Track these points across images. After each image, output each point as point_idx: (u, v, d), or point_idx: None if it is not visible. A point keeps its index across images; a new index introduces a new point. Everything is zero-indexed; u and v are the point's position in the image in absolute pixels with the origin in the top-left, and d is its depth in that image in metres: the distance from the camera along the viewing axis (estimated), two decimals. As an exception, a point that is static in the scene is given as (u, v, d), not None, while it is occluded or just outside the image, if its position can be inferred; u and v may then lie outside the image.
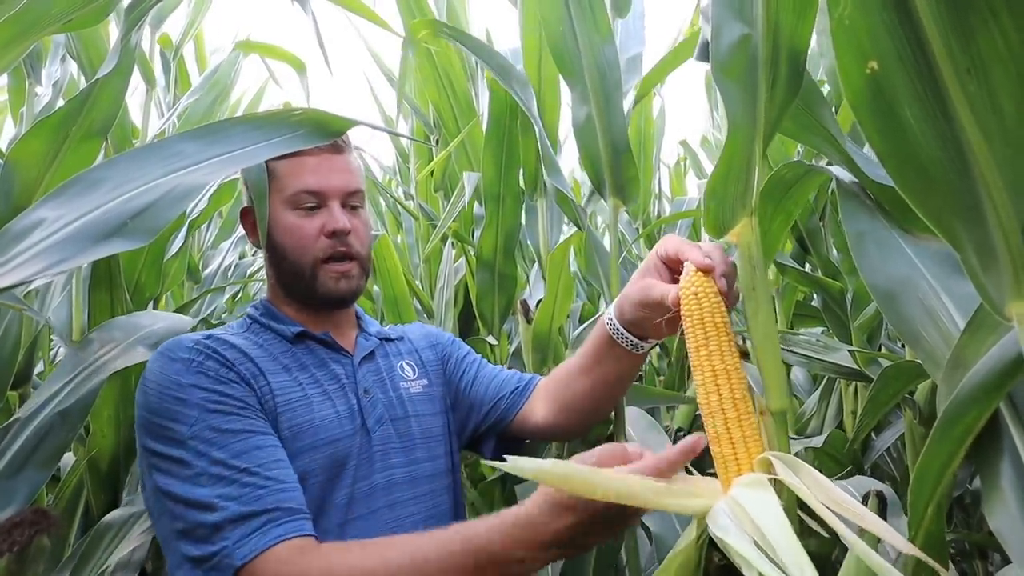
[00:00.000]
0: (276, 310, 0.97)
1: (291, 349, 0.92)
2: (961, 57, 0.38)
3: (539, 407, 1.00)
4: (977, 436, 0.50)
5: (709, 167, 2.97)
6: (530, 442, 1.12)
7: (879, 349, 1.50)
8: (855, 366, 1.43)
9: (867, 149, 0.89)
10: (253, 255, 2.79)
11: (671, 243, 0.72)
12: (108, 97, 0.93)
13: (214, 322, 1.43)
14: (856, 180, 0.66)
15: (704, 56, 0.66)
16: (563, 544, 0.65)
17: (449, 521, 0.94)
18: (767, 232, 0.95)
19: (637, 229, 2.37)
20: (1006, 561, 1.85)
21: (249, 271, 2.58)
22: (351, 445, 0.87)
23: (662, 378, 2.36)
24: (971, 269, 0.44)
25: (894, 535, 0.50)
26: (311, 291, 0.94)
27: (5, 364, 0.92)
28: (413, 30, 1.24)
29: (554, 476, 0.60)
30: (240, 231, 2.57)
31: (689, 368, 1.98)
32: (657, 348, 2.23)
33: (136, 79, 1.52)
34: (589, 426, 1.03)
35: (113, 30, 1.48)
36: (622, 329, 0.85)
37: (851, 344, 1.50)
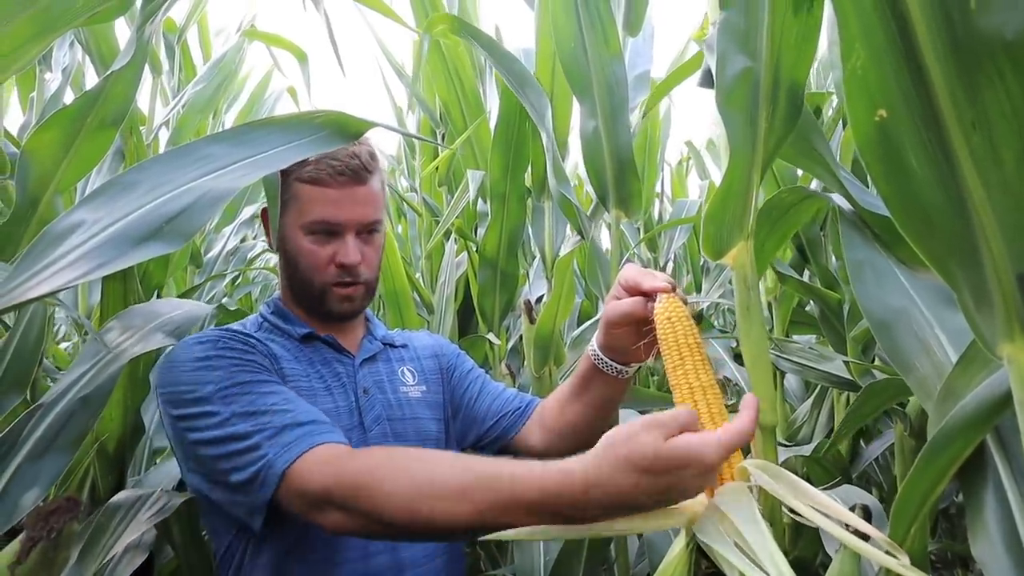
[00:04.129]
0: (286, 310, 1.00)
1: (299, 346, 0.97)
2: (967, 111, 0.40)
3: (535, 432, 1.04)
4: (964, 464, 0.52)
5: (713, 169, 2.98)
6: None
7: (872, 360, 1.52)
8: (849, 376, 1.46)
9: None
10: (254, 238, 2.80)
11: (629, 273, 0.79)
12: (121, 89, 0.94)
13: (232, 308, 1.45)
14: (854, 210, 0.68)
15: (706, 83, 0.68)
16: (616, 506, 0.61)
17: None
18: (759, 252, 0.97)
19: (638, 230, 2.39)
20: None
21: (249, 256, 2.60)
22: (347, 440, 0.90)
23: (656, 378, 2.40)
24: (966, 308, 0.47)
25: (875, 532, 0.53)
26: (319, 307, 0.98)
27: (31, 352, 0.94)
28: (431, 25, 1.25)
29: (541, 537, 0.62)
30: (242, 216, 2.57)
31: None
32: (653, 349, 2.26)
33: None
34: (584, 448, 1.07)
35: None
36: (604, 357, 0.90)
37: (846, 354, 1.53)
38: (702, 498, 0.65)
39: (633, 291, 0.79)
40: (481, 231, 1.63)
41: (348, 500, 0.69)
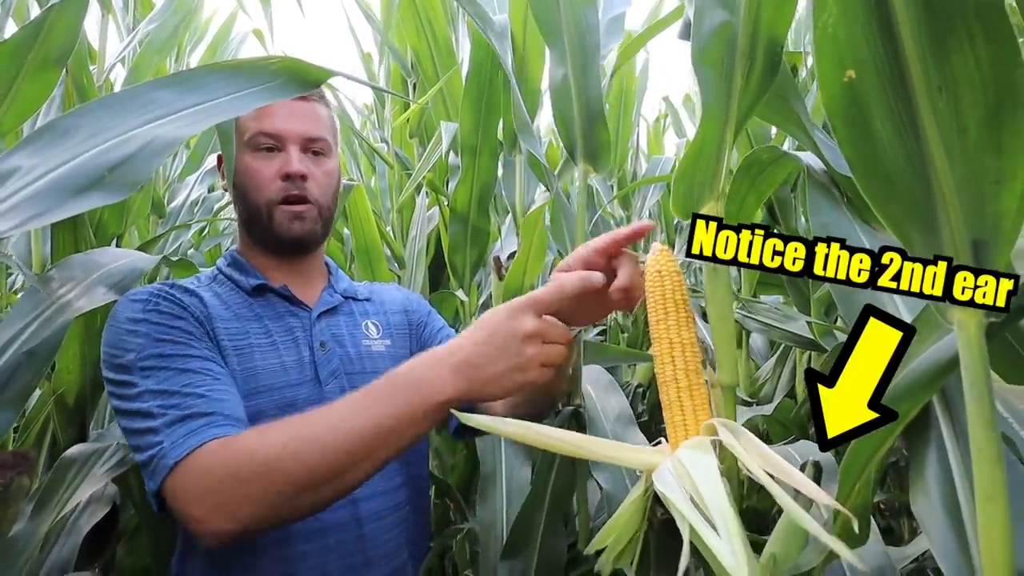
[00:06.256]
0: (243, 260, 0.98)
1: (248, 301, 0.94)
2: (935, 75, 0.39)
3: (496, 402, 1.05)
4: (910, 424, 0.54)
5: (690, 126, 2.96)
6: None
7: (835, 321, 1.56)
8: (811, 336, 1.50)
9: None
10: (224, 189, 2.71)
11: (595, 241, 0.78)
12: (65, 23, 0.88)
13: (175, 259, 1.40)
14: (825, 170, 0.68)
15: (686, 35, 0.66)
16: (468, 364, 0.69)
17: (405, 474, 0.97)
18: (740, 209, 0.97)
19: (612, 187, 2.37)
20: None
21: (216, 206, 2.52)
22: (296, 395, 0.89)
23: (626, 335, 2.43)
24: (922, 273, 0.47)
25: (823, 496, 0.55)
26: (268, 233, 0.95)
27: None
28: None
29: (510, 432, 0.64)
30: (207, 164, 2.49)
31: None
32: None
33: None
34: (542, 411, 1.09)
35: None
36: None
37: (810, 314, 1.56)
38: (665, 448, 0.67)
39: (607, 251, 0.76)
40: (453, 185, 1.60)
41: (242, 470, 0.67)
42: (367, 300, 1.07)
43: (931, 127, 0.40)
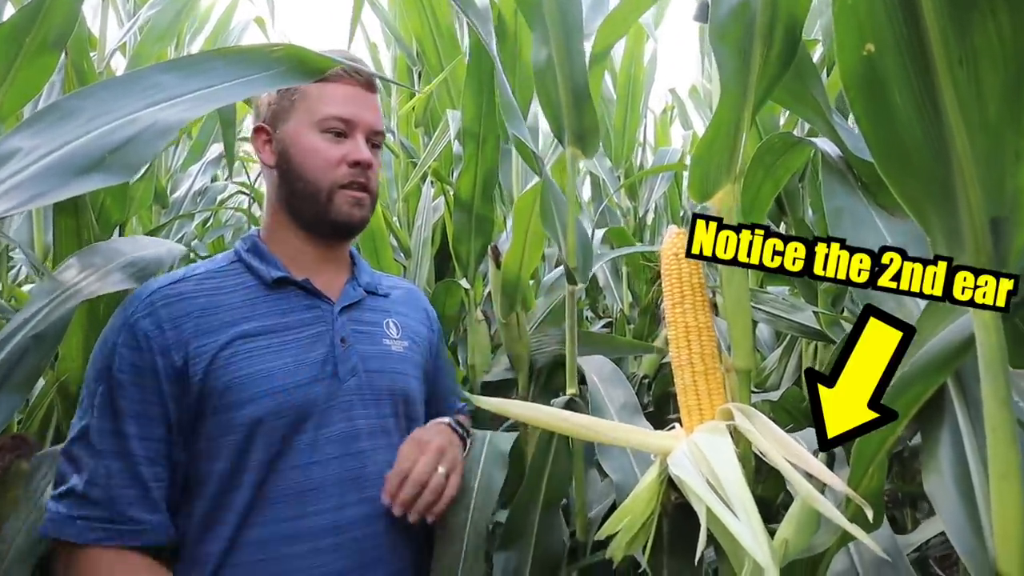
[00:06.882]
0: (264, 247, 0.95)
1: (265, 295, 0.91)
2: (955, 48, 0.38)
3: None
4: (924, 406, 0.53)
5: (696, 118, 2.94)
6: None
7: (842, 312, 1.55)
8: (818, 327, 1.49)
9: (851, 122, 0.89)
10: (226, 179, 2.70)
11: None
12: (63, 6, 0.87)
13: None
14: (841, 155, 0.67)
15: (703, 16, 0.65)
16: None
17: None
18: (756, 197, 0.96)
19: (619, 178, 2.36)
20: (934, 511, 2.00)
21: (220, 197, 2.52)
22: (312, 392, 0.87)
23: (632, 326, 2.42)
24: (938, 252, 0.46)
25: (836, 481, 0.55)
26: (323, 215, 0.93)
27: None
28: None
29: (521, 414, 0.64)
30: (210, 154, 2.48)
31: (657, 317, 2.01)
32: (630, 297, 2.27)
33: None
34: None
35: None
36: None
37: (817, 305, 1.55)
38: (679, 432, 0.66)
39: None
40: (457, 173, 1.59)
41: None
42: (387, 297, 1.05)
43: (951, 101, 0.40)
